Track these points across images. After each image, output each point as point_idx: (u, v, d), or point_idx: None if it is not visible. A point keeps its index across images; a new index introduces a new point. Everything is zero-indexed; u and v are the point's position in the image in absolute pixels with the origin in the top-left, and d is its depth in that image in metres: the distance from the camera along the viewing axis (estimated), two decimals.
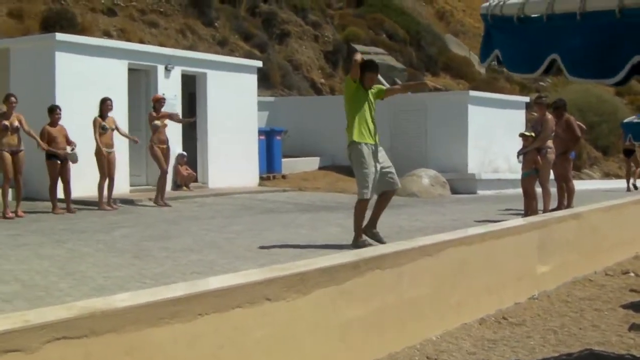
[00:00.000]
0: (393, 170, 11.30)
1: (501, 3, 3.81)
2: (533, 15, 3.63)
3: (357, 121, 10.78)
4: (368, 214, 11.24)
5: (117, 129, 16.71)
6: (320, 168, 25.52)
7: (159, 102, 17.42)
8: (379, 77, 30.80)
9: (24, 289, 7.89)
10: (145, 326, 4.20)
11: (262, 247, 10.95)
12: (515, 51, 3.74)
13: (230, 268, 8.76)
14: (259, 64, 23.70)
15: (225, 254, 10.32)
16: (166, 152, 17.42)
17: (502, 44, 3.83)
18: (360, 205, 11.04)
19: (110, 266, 9.31)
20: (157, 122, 17.14)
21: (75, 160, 15.88)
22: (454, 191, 22.71)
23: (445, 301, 7.03)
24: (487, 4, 3.97)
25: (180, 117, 18.72)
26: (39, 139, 15.32)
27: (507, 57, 3.82)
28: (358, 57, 10.97)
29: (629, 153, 25.66)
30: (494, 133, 23.92)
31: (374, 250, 6.84)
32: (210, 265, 9.30)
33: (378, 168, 10.93)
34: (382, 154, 11.11)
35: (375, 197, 11.29)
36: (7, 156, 14.79)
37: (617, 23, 3.24)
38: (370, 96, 11.00)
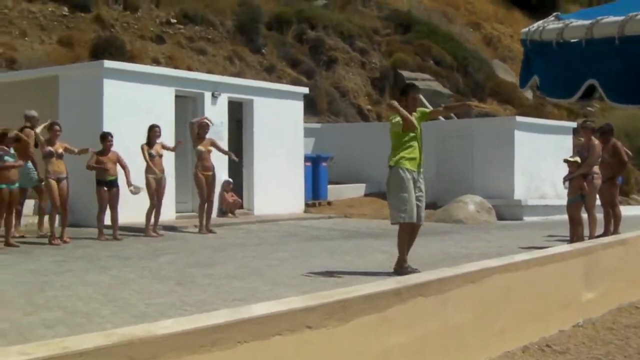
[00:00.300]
0: (423, 205, 11.23)
1: (540, 28, 3.79)
2: (572, 40, 3.60)
3: (401, 146, 10.81)
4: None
5: (168, 148, 17.02)
6: (366, 195, 25.48)
7: (202, 127, 17.44)
8: (422, 99, 30.92)
9: (66, 316, 7.95)
10: (185, 353, 4.18)
11: (306, 275, 10.95)
12: (553, 76, 3.71)
13: (272, 295, 8.75)
14: (305, 90, 23.78)
15: (268, 281, 10.33)
16: (211, 180, 17.44)
17: (540, 69, 3.80)
18: (404, 230, 11.01)
19: (153, 293, 9.35)
20: (201, 148, 17.19)
21: (138, 192, 16.04)
22: (500, 217, 22.53)
23: (488, 329, 6.97)
24: (527, 29, 3.95)
25: (226, 149, 18.57)
26: (90, 150, 15.58)
27: (544, 83, 3.80)
28: (394, 104, 11.06)
29: None
30: (541, 159, 23.73)
31: (417, 278, 6.80)
32: (253, 293, 9.31)
33: (415, 196, 10.91)
34: (422, 185, 11.10)
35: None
36: (54, 184, 14.93)
37: None
38: (415, 121, 10.99)
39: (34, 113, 16.37)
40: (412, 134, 10.90)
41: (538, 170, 23.85)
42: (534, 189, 24.07)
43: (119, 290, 9.56)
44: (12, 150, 14.35)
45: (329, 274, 11.04)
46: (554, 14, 3.95)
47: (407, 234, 11.07)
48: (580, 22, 3.59)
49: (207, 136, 17.61)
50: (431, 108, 30.50)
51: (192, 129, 17.47)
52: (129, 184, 15.93)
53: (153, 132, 16.54)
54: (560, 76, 3.70)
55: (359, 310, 5.38)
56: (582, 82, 3.53)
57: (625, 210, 23.97)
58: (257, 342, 4.59)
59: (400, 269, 10.81)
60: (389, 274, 10.65)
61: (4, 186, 14.08)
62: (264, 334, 4.66)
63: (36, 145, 15.57)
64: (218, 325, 4.43)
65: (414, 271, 10.36)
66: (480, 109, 12.05)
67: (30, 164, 15.78)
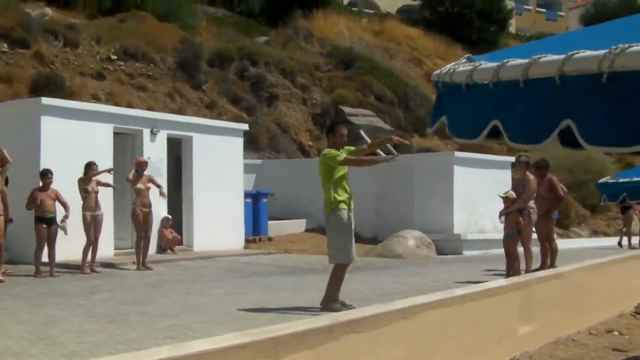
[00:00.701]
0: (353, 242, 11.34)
1: (451, 70, 3.91)
2: (480, 82, 3.73)
3: (336, 184, 10.92)
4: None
5: (105, 184, 16.91)
6: (307, 230, 25.54)
7: (140, 165, 17.43)
8: (363, 134, 31.08)
9: None
10: None
11: (240, 311, 10.95)
12: (461, 117, 3.84)
13: (204, 333, 8.76)
14: (245, 127, 23.85)
15: (202, 318, 10.32)
16: (148, 216, 17.39)
17: (450, 110, 3.92)
18: (341, 270, 11.10)
19: (84, 332, 9.29)
20: (140, 186, 17.16)
21: (65, 231, 15.94)
22: (440, 252, 22.72)
23: None
24: (439, 71, 4.07)
25: (164, 191, 18.35)
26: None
27: (453, 123, 3.92)
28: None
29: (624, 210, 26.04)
30: (480, 193, 23.97)
31: (349, 314, 6.83)
32: (185, 330, 9.28)
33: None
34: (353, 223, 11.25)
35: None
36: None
37: (557, 89, 3.34)
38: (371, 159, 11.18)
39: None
40: (344, 171, 11.03)
41: (477, 205, 24.09)
42: (473, 224, 24.30)
43: (51, 328, 9.49)
44: None
45: (263, 310, 11.06)
46: (466, 55, 4.08)
47: (343, 274, 11.15)
48: (488, 65, 3.71)
49: (146, 173, 17.59)
50: (368, 140, 30.87)
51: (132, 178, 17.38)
52: (64, 218, 15.85)
53: (90, 169, 16.49)
54: (467, 117, 3.82)
55: (290, 348, 5.36)
56: (487, 123, 3.66)
57: (565, 244, 24.37)
58: None
59: (331, 304, 10.85)
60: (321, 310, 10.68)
61: None
62: None
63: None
64: None
65: (348, 307, 10.44)
66: (405, 144, 12.04)
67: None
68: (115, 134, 19.41)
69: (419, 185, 24.69)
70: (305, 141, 33.15)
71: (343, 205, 10.96)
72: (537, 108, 3.47)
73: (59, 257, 16.28)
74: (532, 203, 15.22)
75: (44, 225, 15.74)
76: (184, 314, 10.74)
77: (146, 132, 20.13)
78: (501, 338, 8.45)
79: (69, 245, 16.48)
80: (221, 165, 22.03)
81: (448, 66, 4.00)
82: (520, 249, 15.11)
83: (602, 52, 3.24)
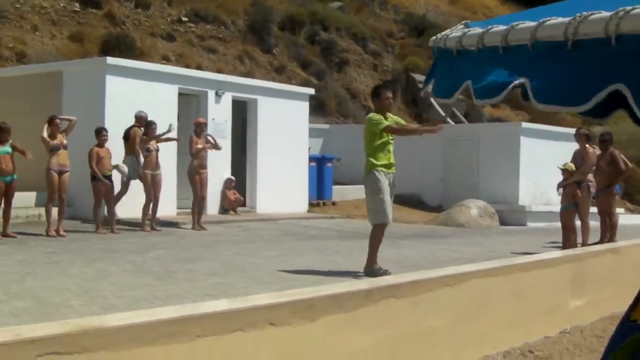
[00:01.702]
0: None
1: (445, 36, 3.92)
2: (468, 48, 3.73)
3: (376, 149, 10.89)
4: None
5: (165, 140, 17.16)
6: None
7: (199, 126, 17.51)
8: (436, 105, 30.92)
9: (37, 305, 8.07)
10: (139, 345, 4.21)
11: (286, 272, 11.04)
12: (445, 78, 3.84)
13: (245, 292, 8.85)
14: (311, 91, 23.85)
15: (246, 279, 10.41)
16: (204, 177, 17.49)
17: (438, 73, 3.92)
18: (378, 231, 11.10)
19: (128, 286, 9.45)
20: (199, 146, 17.27)
21: (125, 173, 16.14)
22: (504, 222, 22.56)
23: (465, 332, 6.95)
24: (435, 37, 4.07)
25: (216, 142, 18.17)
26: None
27: (438, 85, 3.92)
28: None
29: None
30: (547, 165, 23.67)
31: (388, 279, 6.83)
32: (226, 289, 9.38)
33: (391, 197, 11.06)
34: (393, 186, 11.24)
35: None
36: (55, 176, 15.08)
37: (529, 54, 3.34)
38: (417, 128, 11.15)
39: (142, 113, 17.09)
40: (387, 138, 11.00)
41: (543, 176, 23.80)
42: (539, 195, 24.04)
43: (97, 282, 9.68)
44: (9, 143, 14.46)
45: (310, 273, 11.11)
46: (463, 22, 4.06)
47: (381, 237, 11.16)
48: (475, 31, 3.71)
49: (210, 133, 17.74)
50: (442, 112, 30.72)
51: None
52: (116, 165, 16.09)
53: (150, 128, 16.66)
54: (450, 78, 3.82)
55: (325, 309, 5.39)
56: (461, 82, 3.66)
57: (631, 219, 24.00)
58: (215, 337, 4.61)
59: (372, 270, 10.86)
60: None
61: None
62: (223, 328, 4.69)
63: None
64: (174, 318, 4.46)
65: (385, 273, 10.43)
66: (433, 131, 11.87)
67: (134, 158, 16.66)
68: (180, 94, 19.56)
69: (486, 155, 24.52)
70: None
71: (381, 169, 10.93)
72: (505, 69, 3.48)
73: (124, 215, 16.53)
74: (590, 176, 15.00)
75: (101, 182, 15.92)
76: (230, 273, 10.86)
77: (211, 94, 20.26)
78: (551, 310, 8.37)
79: (133, 204, 16.75)
80: (286, 128, 22.07)
81: (445, 32, 3.99)
82: (578, 222, 14.92)
83: (567, 19, 3.22)
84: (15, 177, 14.53)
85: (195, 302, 7.12)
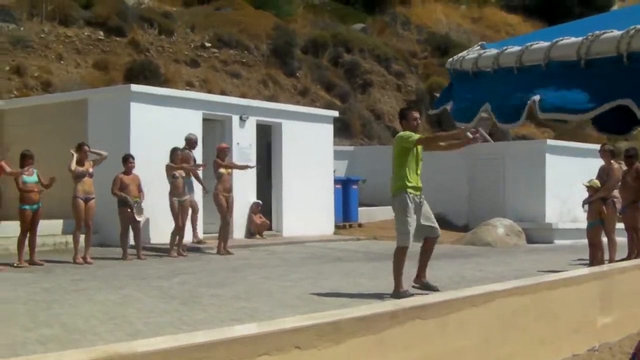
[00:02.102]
0: (433, 218, 11.53)
1: (462, 58, 3.95)
2: (484, 70, 3.76)
3: (405, 170, 10.90)
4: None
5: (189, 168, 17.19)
6: None
7: (222, 151, 17.60)
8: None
9: (63, 333, 8.11)
10: None
11: (312, 295, 11.03)
12: (462, 102, 3.86)
13: (271, 316, 8.86)
14: (335, 113, 23.90)
15: (272, 302, 10.41)
16: (229, 201, 17.52)
17: (456, 95, 3.95)
18: (399, 253, 11.11)
19: (155, 312, 9.49)
20: (222, 170, 17.33)
21: (140, 213, 16.21)
22: (531, 241, 22.46)
23: (494, 352, 6.88)
24: (452, 58, 4.10)
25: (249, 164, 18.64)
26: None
27: (455, 108, 3.94)
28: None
29: None
30: (573, 182, 23.59)
31: (414, 300, 6.80)
32: (252, 313, 9.40)
33: (420, 218, 11.07)
34: (425, 204, 11.23)
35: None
36: (81, 203, 15.20)
37: (543, 73, 3.36)
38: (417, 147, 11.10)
39: (192, 136, 17.77)
40: (417, 156, 11.00)
41: (570, 194, 23.70)
42: (566, 212, 23.93)
43: (123, 308, 9.72)
44: (35, 172, 14.61)
45: (336, 295, 11.11)
46: (479, 43, 4.09)
47: (403, 260, 11.16)
48: (491, 52, 3.74)
49: (235, 159, 17.82)
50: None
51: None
52: (136, 201, 16.14)
53: (175, 155, 16.74)
54: (467, 101, 3.85)
55: (352, 332, 5.34)
56: (480, 106, 3.68)
57: None
58: None
59: (397, 293, 10.86)
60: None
61: (26, 207, 14.39)
62: (249, 353, 4.64)
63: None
64: (201, 344, 4.43)
65: (412, 295, 10.42)
66: (477, 141, 11.64)
67: (192, 179, 17.38)
68: (205, 120, 19.67)
69: (511, 173, 24.48)
70: (399, 128, 33.04)
71: (409, 190, 10.95)
72: (521, 90, 3.51)
73: (153, 241, 16.62)
74: (616, 192, 14.92)
75: (128, 209, 16.01)
76: (256, 297, 10.86)
77: (235, 119, 20.36)
78: (579, 328, 8.29)
79: (160, 229, 16.84)
80: (311, 151, 22.12)
81: (461, 54, 4.03)
82: (605, 239, 14.84)
83: (579, 39, 3.25)
84: (40, 205, 14.66)
85: (221, 327, 7.13)
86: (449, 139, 12.04)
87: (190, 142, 17.61)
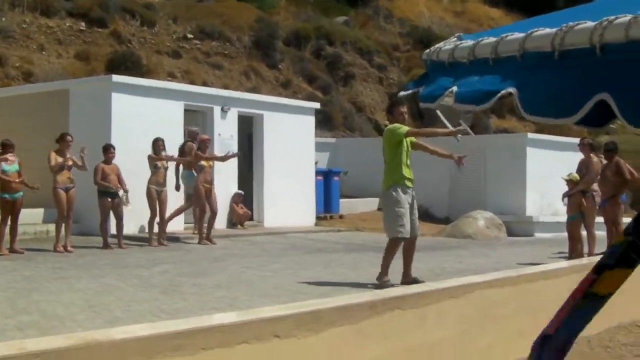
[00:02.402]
0: (417, 217, 11.56)
1: (438, 49, 3.99)
2: (460, 60, 3.80)
3: (397, 163, 10.97)
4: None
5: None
6: (379, 209, 25.45)
7: (204, 142, 17.66)
8: (442, 118, 30.94)
9: (42, 319, 8.13)
10: (144, 358, 4.22)
11: (292, 285, 11.07)
12: (435, 87, 3.90)
13: (250, 305, 8.88)
14: (316, 105, 23.91)
15: (252, 292, 10.45)
16: (210, 192, 17.57)
17: (428, 81, 3.99)
18: (395, 244, 11.18)
19: (134, 300, 9.51)
20: (203, 163, 17.35)
21: (126, 204, 16.20)
22: (511, 233, 22.53)
23: (472, 344, 6.93)
24: (429, 49, 4.13)
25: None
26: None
27: (425, 91, 3.98)
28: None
29: None
30: (554, 175, 23.67)
31: (393, 291, 6.83)
32: (232, 302, 9.44)
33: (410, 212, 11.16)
34: (414, 201, 11.31)
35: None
36: (63, 194, 15.17)
37: (518, 65, 3.39)
38: (407, 139, 11.16)
39: (195, 128, 18.64)
40: (406, 149, 11.07)
41: (550, 187, 23.79)
42: (547, 206, 24.02)
43: (103, 297, 9.73)
44: (16, 161, 14.60)
45: (317, 285, 11.15)
46: (456, 34, 4.12)
47: (396, 251, 11.21)
48: (466, 43, 3.77)
49: (216, 150, 17.83)
50: (449, 126, 30.72)
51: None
52: (123, 194, 16.15)
53: (157, 144, 16.74)
54: (436, 86, 3.88)
55: (331, 322, 5.39)
56: (447, 89, 3.72)
57: None
58: (221, 350, 4.61)
59: (379, 282, 10.91)
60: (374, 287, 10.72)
61: (6, 195, 14.38)
62: (228, 341, 4.69)
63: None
64: (179, 331, 4.47)
65: (393, 286, 10.47)
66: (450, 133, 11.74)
67: (194, 172, 17.54)
68: (186, 110, 19.66)
69: (492, 166, 24.54)
70: (382, 120, 33.11)
71: (407, 183, 11.05)
72: (495, 79, 3.55)
73: (132, 231, 16.58)
74: (595, 186, 15.01)
75: (108, 199, 16.02)
76: (236, 287, 10.90)
77: (217, 110, 20.36)
78: None
79: (143, 219, 16.86)
80: (293, 142, 22.12)
81: (438, 45, 4.06)
82: (584, 232, 14.93)
83: (554, 29, 3.28)
84: (21, 194, 14.65)
85: (200, 316, 7.14)
86: (437, 135, 12.40)
87: (191, 134, 18.26)
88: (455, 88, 3.59)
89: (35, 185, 14.77)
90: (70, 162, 15.34)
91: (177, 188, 17.88)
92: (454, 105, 3.58)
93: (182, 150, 17.89)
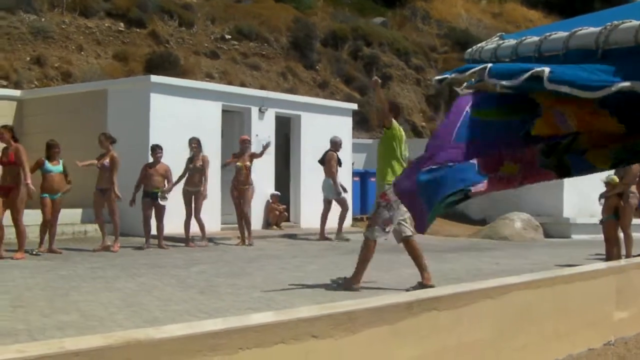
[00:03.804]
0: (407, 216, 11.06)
1: (480, 48, 3.97)
2: (502, 60, 3.78)
3: (392, 164, 10.89)
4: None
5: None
6: None
7: (243, 143, 17.73)
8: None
9: (81, 319, 8.20)
10: (182, 358, 4.23)
11: (327, 287, 11.09)
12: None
13: (287, 305, 8.90)
14: (354, 106, 23.94)
15: (288, 292, 10.48)
16: (245, 193, 17.56)
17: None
18: (372, 246, 11.17)
19: (172, 300, 9.56)
20: (239, 164, 17.41)
21: (162, 199, 16.27)
22: (548, 235, 22.43)
23: (508, 345, 6.91)
24: (471, 49, 4.11)
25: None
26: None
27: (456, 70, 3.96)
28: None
29: None
30: (592, 176, 23.44)
31: (430, 292, 6.83)
32: (268, 302, 9.47)
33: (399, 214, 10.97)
34: None
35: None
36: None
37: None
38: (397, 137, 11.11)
39: (336, 138, 19.98)
40: (401, 148, 11.00)
41: (588, 189, 23.62)
42: (584, 207, 23.86)
43: (141, 296, 9.79)
44: (61, 162, 14.75)
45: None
46: (498, 34, 4.10)
47: (372, 253, 11.20)
48: (510, 42, 3.76)
49: (254, 150, 17.87)
50: None
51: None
52: (163, 191, 16.22)
53: (191, 146, 16.83)
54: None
55: (367, 322, 5.39)
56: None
57: None
58: (258, 349, 4.62)
59: (351, 285, 10.95)
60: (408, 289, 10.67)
61: (46, 195, 14.52)
62: (266, 341, 4.69)
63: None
64: (217, 331, 4.47)
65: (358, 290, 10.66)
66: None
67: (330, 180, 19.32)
68: (224, 111, 19.75)
69: None
70: (419, 122, 33.08)
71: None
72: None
73: (173, 231, 16.77)
74: (633, 188, 14.89)
75: (148, 199, 16.13)
76: (272, 287, 10.92)
77: (254, 110, 20.45)
78: (595, 322, 8.30)
79: (177, 220, 16.94)
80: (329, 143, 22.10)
81: (480, 44, 4.04)
82: (621, 234, 14.83)
83: (598, 28, 3.26)
84: (60, 194, 14.77)
85: (237, 315, 7.16)
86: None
87: (335, 145, 19.70)
88: (489, 66, 3.57)
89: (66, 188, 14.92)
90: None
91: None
92: (487, 80, 3.54)
93: (324, 159, 19.36)
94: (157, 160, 16.32)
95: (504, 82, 3.51)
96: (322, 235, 19.32)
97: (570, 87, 3.25)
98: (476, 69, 3.60)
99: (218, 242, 17.66)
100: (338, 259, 15.19)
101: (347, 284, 11.02)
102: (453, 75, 3.92)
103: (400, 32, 38.29)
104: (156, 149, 16.37)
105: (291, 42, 31.52)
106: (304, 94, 26.49)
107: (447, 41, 39.95)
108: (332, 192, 19.54)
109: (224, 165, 17.99)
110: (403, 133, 11.18)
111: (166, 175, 16.32)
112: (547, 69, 3.29)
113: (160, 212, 16.31)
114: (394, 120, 11.14)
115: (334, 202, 19.82)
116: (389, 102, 11.85)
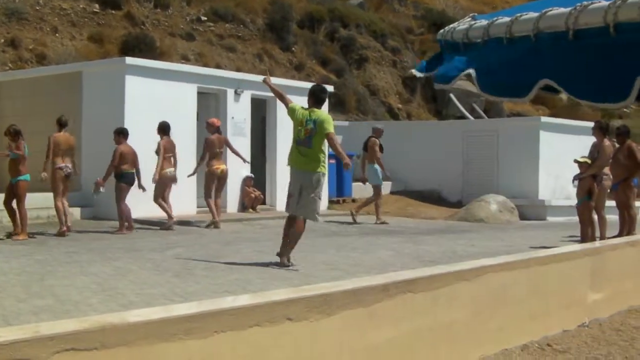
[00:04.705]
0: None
1: (452, 29, 3.99)
2: (474, 41, 3.81)
3: (323, 151, 11.21)
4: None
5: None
6: (392, 193, 25.42)
7: (209, 126, 17.56)
8: (452, 97, 30.84)
9: (56, 303, 8.16)
10: (157, 341, 4.26)
11: (305, 269, 11.11)
12: (449, 68, 3.90)
13: (262, 288, 8.88)
14: (331, 88, 23.83)
15: (265, 275, 10.47)
16: (221, 176, 17.44)
17: (444, 63, 3.99)
18: (304, 226, 11.64)
19: (148, 284, 9.53)
20: (218, 169, 17.26)
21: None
22: (524, 217, 22.53)
23: (483, 326, 6.98)
24: (443, 29, 4.14)
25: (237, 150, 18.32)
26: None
27: (440, 72, 4.00)
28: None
29: None
30: (567, 159, 23.58)
31: (405, 274, 6.84)
32: (245, 285, 9.46)
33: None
34: None
35: None
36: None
37: (533, 46, 3.39)
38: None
39: (378, 126, 21.24)
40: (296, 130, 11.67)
41: (564, 171, 23.73)
42: (559, 190, 23.97)
43: (116, 280, 9.75)
44: (26, 147, 14.53)
45: (329, 268, 11.18)
46: (471, 14, 4.12)
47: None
48: (481, 23, 3.78)
49: (229, 133, 17.80)
50: (462, 109, 30.62)
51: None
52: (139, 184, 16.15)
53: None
54: (454, 68, 3.90)
55: (342, 304, 5.43)
56: (462, 71, 3.74)
57: None
58: (233, 333, 4.65)
59: (284, 263, 11.27)
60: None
61: (21, 178, 14.37)
62: (241, 324, 4.72)
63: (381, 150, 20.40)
64: (192, 314, 4.51)
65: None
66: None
67: (376, 166, 20.11)
68: (200, 93, 19.68)
69: (505, 150, 24.51)
70: (395, 104, 33.09)
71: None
72: (516, 63, 3.55)
73: (146, 215, 16.66)
74: (606, 170, 14.97)
75: (122, 183, 16.00)
76: (249, 269, 10.92)
77: (230, 92, 20.37)
78: (570, 304, 8.36)
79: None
80: None
81: (452, 25, 4.06)
82: (595, 216, 14.89)
83: (568, 9, 3.29)
84: (25, 177, 14.53)
85: (213, 299, 7.15)
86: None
87: (377, 132, 20.72)
88: (471, 71, 3.59)
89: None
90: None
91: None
92: (479, 93, 3.56)
93: (366, 145, 20.19)
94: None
95: (443, 86, 3.55)
96: (379, 219, 20.01)
97: (500, 97, 3.29)
98: (457, 79, 3.65)
99: (194, 224, 17.56)
100: (314, 242, 15.16)
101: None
102: (422, 75, 3.98)
103: (377, 14, 38.24)
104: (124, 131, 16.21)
105: (267, 23, 31.43)
106: (280, 76, 26.46)
107: (423, 23, 40.00)
108: (376, 177, 20.18)
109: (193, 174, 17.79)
110: (299, 116, 11.77)
111: (134, 158, 16.16)
112: (472, 72, 3.32)
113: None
114: (291, 104, 12.10)
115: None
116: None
